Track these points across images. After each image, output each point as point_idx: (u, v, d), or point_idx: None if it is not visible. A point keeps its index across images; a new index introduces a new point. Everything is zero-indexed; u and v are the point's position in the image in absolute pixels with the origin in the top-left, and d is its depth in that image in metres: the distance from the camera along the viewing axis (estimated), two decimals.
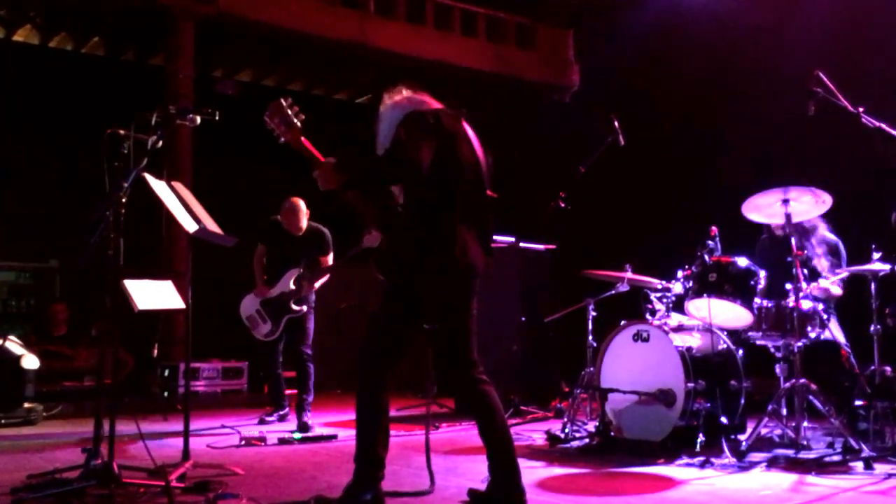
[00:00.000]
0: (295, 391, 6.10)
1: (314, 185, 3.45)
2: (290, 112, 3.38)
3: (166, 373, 7.95)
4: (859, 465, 4.16)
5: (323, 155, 3.41)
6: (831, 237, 5.46)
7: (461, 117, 3.58)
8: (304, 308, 6.05)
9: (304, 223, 6.17)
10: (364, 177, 3.37)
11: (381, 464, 3.42)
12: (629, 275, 5.46)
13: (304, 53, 10.26)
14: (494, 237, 7.24)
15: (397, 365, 3.51)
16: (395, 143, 3.31)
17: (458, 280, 3.36)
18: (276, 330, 6.11)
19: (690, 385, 4.68)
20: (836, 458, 4.29)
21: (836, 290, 5.22)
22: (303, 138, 3.39)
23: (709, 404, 4.69)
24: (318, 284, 6.12)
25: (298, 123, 3.39)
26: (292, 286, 6.04)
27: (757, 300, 4.77)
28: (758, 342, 4.91)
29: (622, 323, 5.16)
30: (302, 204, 6.18)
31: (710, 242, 4.95)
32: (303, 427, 5.76)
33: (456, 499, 3.59)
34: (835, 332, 5.01)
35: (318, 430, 5.70)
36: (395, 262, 3.41)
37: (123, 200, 3.63)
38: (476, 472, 4.19)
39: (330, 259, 6.20)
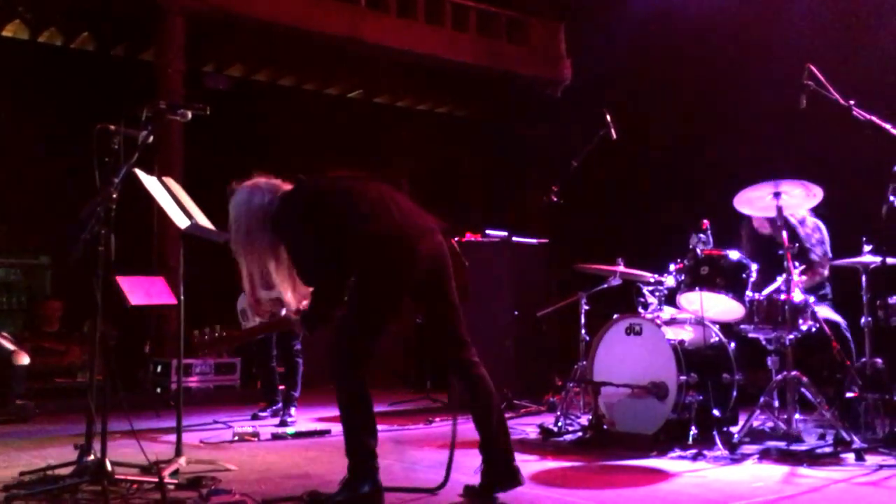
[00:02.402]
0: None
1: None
2: (208, 338, 3.59)
3: (159, 369, 7.93)
4: (851, 457, 4.18)
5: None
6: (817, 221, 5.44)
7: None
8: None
9: None
10: (326, 315, 3.54)
11: (375, 453, 3.43)
12: (621, 268, 5.47)
13: (295, 48, 10.21)
14: (488, 232, 7.30)
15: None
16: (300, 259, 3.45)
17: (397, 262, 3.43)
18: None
19: (683, 378, 4.69)
20: (827, 449, 4.31)
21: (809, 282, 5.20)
22: (234, 334, 3.72)
23: (701, 397, 4.70)
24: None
25: (224, 334, 3.62)
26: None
27: (749, 293, 4.78)
28: (750, 335, 4.92)
29: (615, 316, 5.17)
30: None
31: (701, 236, 4.96)
32: (283, 423, 5.83)
33: (452, 492, 3.58)
34: (823, 311, 5.02)
35: (312, 426, 5.70)
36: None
37: (114, 196, 3.61)
38: (471, 466, 4.19)
39: None
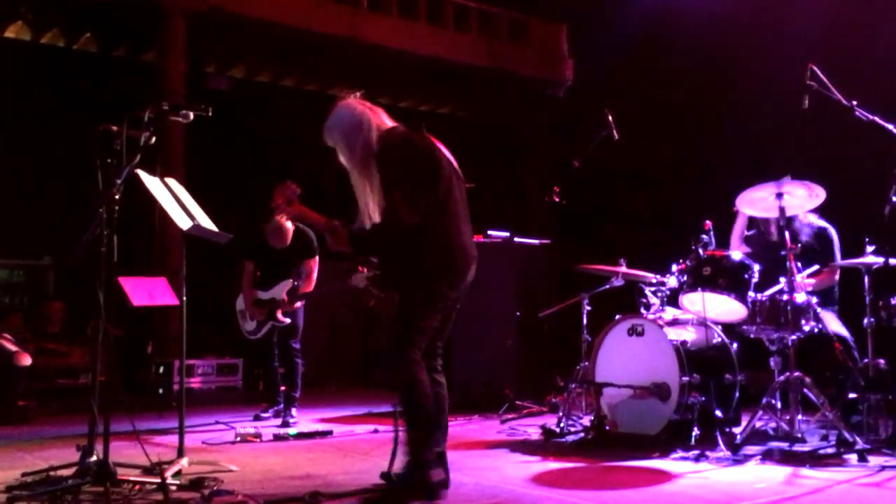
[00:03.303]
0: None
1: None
2: (292, 192, 3.78)
3: (161, 370, 7.93)
4: (853, 458, 4.16)
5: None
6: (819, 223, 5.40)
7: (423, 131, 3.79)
8: (289, 321, 6.08)
9: (289, 239, 6.17)
10: (377, 248, 3.71)
11: (430, 443, 3.53)
12: (623, 269, 5.47)
13: (296, 49, 10.23)
14: (490, 232, 7.32)
15: None
16: (390, 194, 3.51)
17: (453, 277, 3.61)
18: (258, 331, 6.16)
19: (685, 379, 4.69)
20: (830, 450, 4.30)
21: (809, 281, 5.17)
22: (299, 208, 3.78)
23: (703, 398, 4.70)
24: (299, 305, 6.15)
25: (294, 200, 3.79)
26: (284, 297, 6.06)
27: (751, 294, 4.77)
28: (752, 336, 4.91)
29: (617, 317, 5.17)
30: (287, 225, 6.15)
31: (704, 236, 4.95)
32: (285, 424, 5.85)
33: (455, 492, 3.58)
34: (832, 324, 5.02)
35: (314, 427, 5.70)
36: (400, 273, 3.64)
37: (117, 197, 3.61)
38: (473, 466, 4.19)
39: (316, 261, 6.21)
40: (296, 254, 6.16)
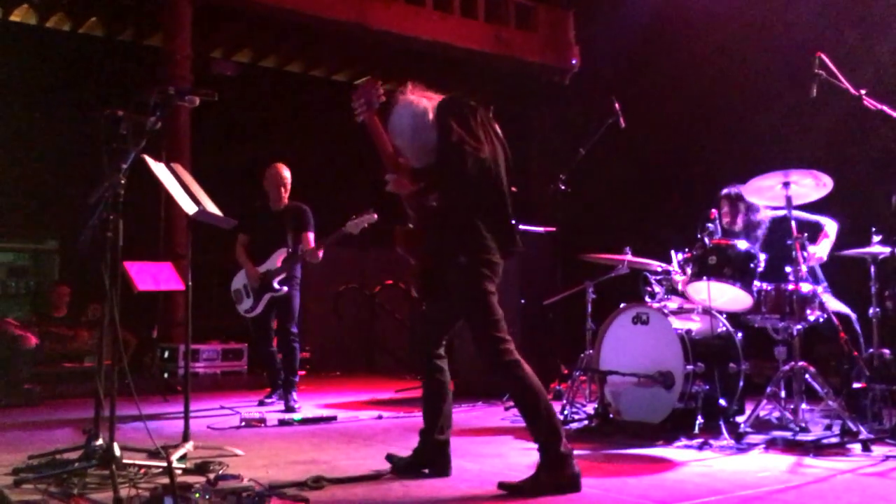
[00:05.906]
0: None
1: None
2: (376, 94, 3.63)
3: (166, 354, 7.96)
4: (857, 447, 4.17)
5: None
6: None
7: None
8: (286, 289, 6.08)
9: (285, 195, 6.16)
10: (447, 188, 3.56)
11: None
12: (629, 257, 5.46)
13: (303, 34, 10.19)
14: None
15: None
16: (455, 144, 3.48)
17: (479, 277, 3.59)
18: (255, 306, 6.17)
19: (689, 367, 4.68)
20: (833, 440, 4.30)
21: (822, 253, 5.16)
22: (376, 119, 3.65)
23: (707, 386, 4.70)
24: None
25: (377, 106, 3.63)
26: (279, 265, 6.07)
27: (756, 283, 4.77)
28: (757, 325, 4.91)
29: (622, 305, 5.16)
30: (285, 171, 6.16)
31: (709, 225, 4.94)
32: (289, 408, 5.87)
33: (458, 478, 3.60)
34: (832, 303, 5.01)
35: (318, 412, 5.73)
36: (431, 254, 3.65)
37: (122, 182, 3.61)
38: (477, 453, 4.21)
39: (311, 236, 6.19)
40: (288, 224, 6.16)
